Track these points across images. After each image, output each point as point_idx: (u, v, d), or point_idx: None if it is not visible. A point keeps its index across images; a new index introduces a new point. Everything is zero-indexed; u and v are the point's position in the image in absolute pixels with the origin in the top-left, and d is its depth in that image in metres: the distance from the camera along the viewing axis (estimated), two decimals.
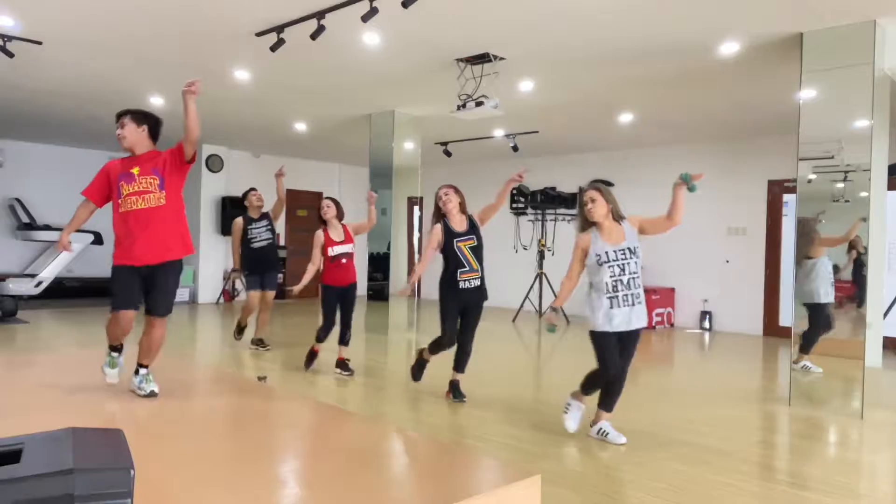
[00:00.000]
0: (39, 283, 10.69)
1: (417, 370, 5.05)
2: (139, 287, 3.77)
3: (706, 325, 9.60)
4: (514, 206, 11.34)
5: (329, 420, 3.57)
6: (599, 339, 3.79)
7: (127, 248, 3.74)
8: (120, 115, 3.84)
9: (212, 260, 11.83)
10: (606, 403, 3.94)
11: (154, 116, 3.92)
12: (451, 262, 4.68)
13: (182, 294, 11.55)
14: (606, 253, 3.74)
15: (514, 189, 11.39)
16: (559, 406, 4.22)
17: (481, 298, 4.77)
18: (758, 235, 9.31)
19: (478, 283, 4.71)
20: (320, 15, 4.88)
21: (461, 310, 4.74)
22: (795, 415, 4.71)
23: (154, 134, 3.90)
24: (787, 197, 8.86)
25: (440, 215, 4.76)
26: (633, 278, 3.75)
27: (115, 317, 3.78)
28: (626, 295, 3.73)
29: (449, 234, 4.68)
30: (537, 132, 9.29)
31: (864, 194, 4.77)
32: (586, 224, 3.88)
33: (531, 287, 10.67)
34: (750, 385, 5.78)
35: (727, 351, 7.83)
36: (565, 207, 10.98)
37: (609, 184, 10.72)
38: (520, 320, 10.12)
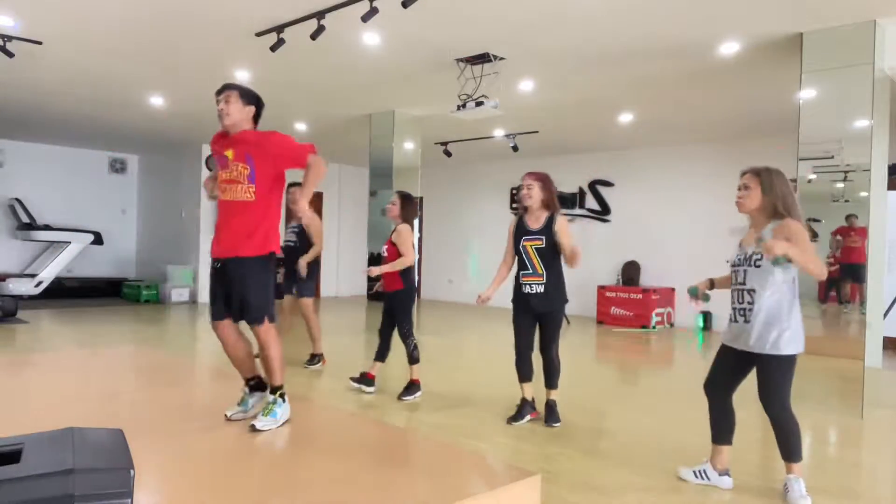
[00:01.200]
0: (39, 283, 10.70)
1: (517, 414, 4.29)
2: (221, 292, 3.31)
3: (706, 325, 9.60)
4: (514, 206, 11.34)
5: (329, 420, 3.57)
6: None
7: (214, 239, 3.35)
8: (224, 89, 3.32)
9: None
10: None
11: (262, 100, 3.43)
12: (518, 264, 4.24)
13: (182, 294, 11.56)
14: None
15: (514, 189, 11.46)
16: (560, 405, 4.23)
17: (550, 305, 4.16)
18: None
19: (541, 288, 4.13)
20: (320, 15, 4.88)
21: (533, 318, 4.21)
22: (795, 415, 4.71)
23: (257, 119, 3.42)
24: None
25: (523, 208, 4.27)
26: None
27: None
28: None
29: (519, 232, 4.22)
30: (537, 132, 9.29)
31: (864, 194, 4.77)
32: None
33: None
34: (750, 385, 5.77)
35: None
36: (565, 207, 10.98)
37: (609, 184, 10.79)
38: None
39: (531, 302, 4.14)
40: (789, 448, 3.06)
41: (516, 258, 4.23)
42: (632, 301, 9.73)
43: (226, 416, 3.37)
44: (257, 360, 3.46)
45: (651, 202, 10.36)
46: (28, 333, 7.65)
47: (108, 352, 5.84)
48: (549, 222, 4.15)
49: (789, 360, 3.00)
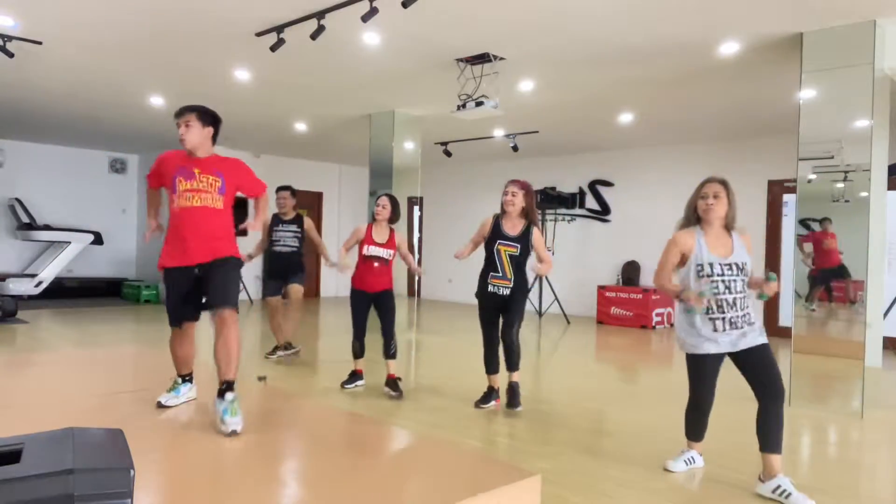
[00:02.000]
0: (39, 283, 10.70)
1: (484, 398, 4.60)
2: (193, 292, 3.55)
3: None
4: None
5: (329, 420, 3.57)
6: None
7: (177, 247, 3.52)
8: (183, 112, 3.50)
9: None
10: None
11: (219, 118, 3.63)
12: (487, 264, 4.53)
13: None
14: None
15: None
16: (559, 405, 4.22)
17: (513, 298, 4.45)
18: (758, 235, 9.31)
19: (507, 291, 4.43)
20: (320, 15, 4.88)
21: (496, 312, 4.49)
22: (795, 415, 4.71)
23: (215, 138, 3.61)
24: (787, 197, 8.86)
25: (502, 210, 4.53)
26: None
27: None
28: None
29: (495, 234, 4.48)
30: (537, 132, 9.29)
31: (864, 194, 4.77)
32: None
33: (531, 287, 10.66)
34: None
35: None
36: (565, 207, 10.98)
37: (609, 184, 10.79)
38: None
39: (496, 300, 4.45)
40: (780, 438, 3.16)
41: (486, 258, 4.50)
42: (632, 301, 9.73)
43: (159, 403, 3.61)
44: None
45: (651, 202, 10.36)
46: (28, 333, 7.65)
47: (108, 352, 5.85)
48: (527, 232, 4.42)
49: None
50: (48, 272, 10.79)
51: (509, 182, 4.49)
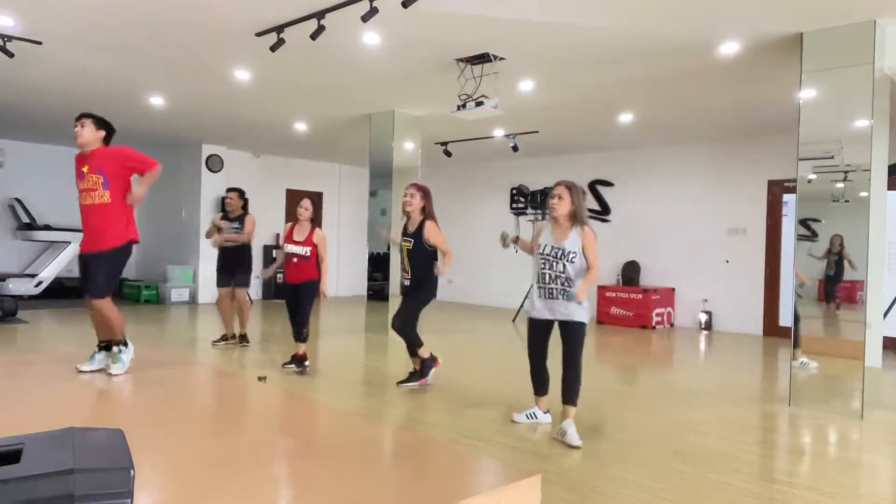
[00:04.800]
0: (39, 283, 10.70)
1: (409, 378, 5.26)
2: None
3: (706, 325, 9.60)
4: (515, 206, 11.34)
5: (329, 420, 3.57)
6: (528, 324, 4.29)
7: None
8: (79, 118, 4.19)
9: (211, 260, 11.79)
10: (563, 394, 4.05)
11: (113, 128, 4.31)
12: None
13: (182, 294, 11.56)
14: (545, 247, 4.11)
15: (514, 189, 11.46)
16: (559, 405, 4.22)
17: (407, 293, 5.06)
18: (758, 235, 9.31)
19: (407, 283, 5.02)
20: (320, 15, 4.88)
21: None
22: (795, 415, 4.71)
23: (108, 141, 4.27)
24: (787, 197, 8.87)
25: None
26: (561, 277, 4.04)
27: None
28: (552, 289, 4.07)
29: (402, 234, 5.05)
30: (537, 132, 9.29)
31: (864, 194, 4.77)
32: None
33: (531, 287, 10.65)
34: (750, 385, 5.78)
35: (727, 351, 7.83)
36: None
37: (609, 184, 10.79)
38: (520, 320, 10.12)
39: (402, 290, 5.13)
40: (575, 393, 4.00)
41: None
42: (632, 301, 9.74)
43: (77, 369, 4.26)
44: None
45: (651, 202, 10.36)
46: (28, 333, 7.65)
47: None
48: (421, 226, 4.92)
49: None
50: (48, 272, 10.79)
51: (408, 185, 5.08)
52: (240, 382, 4.48)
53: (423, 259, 4.94)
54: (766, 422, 4.58)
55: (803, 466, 3.61)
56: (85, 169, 4.14)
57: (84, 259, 4.24)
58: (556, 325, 4.10)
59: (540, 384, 4.28)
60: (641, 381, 5.78)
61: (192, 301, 11.66)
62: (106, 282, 4.22)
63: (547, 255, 4.05)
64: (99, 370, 4.27)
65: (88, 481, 1.51)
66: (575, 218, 4.03)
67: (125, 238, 4.21)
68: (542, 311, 4.11)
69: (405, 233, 4.98)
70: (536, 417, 4.25)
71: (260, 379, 5.07)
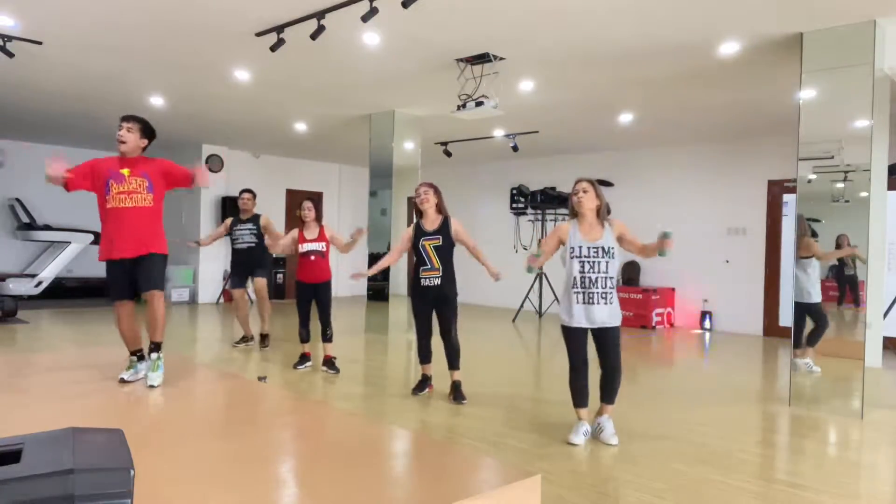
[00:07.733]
0: (39, 283, 10.70)
1: (419, 387, 5.03)
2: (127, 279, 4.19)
3: (706, 325, 9.60)
4: (515, 206, 11.34)
5: (329, 420, 3.57)
6: (565, 333, 3.96)
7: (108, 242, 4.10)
8: (128, 119, 4.18)
9: (212, 260, 11.82)
10: (603, 394, 3.92)
11: (154, 137, 4.39)
12: (417, 261, 4.89)
13: (182, 294, 11.56)
14: (580, 248, 3.85)
15: (514, 189, 11.46)
16: (559, 405, 4.22)
17: (446, 295, 4.82)
18: (758, 235, 9.31)
19: (438, 281, 4.80)
20: (320, 15, 4.88)
21: (431, 308, 4.87)
22: (795, 415, 4.71)
23: (146, 149, 4.35)
24: (787, 197, 8.86)
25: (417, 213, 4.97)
26: (602, 277, 3.80)
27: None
28: (592, 293, 3.79)
29: (418, 234, 4.89)
30: (537, 132, 9.29)
31: (864, 194, 4.77)
32: (573, 214, 4.04)
33: (531, 287, 10.67)
34: (750, 385, 5.78)
35: (727, 351, 7.83)
36: (565, 207, 10.96)
37: (608, 184, 10.78)
38: (520, 320, 10.12)
39: (431, 293, 4.81)
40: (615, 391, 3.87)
41: (416, 256, 4.83)
42: (632, 301, 9.73)
43: (121, 378, 4.06)
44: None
45: (651, 202, 10.36)
46: (28, 333, 7.65)
47: (107, 351, 5.84)
48: (445, 223, 4.91)
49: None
50: (48, 272, 10.79)
51: (420, 184, 5.00)
52: (240, 382, 4.48)
53: (450, 254, 4.93)
54: (765, 422, 4.58)
55: (803, 466, 3.61)
56: (126, 171, 4.11)
57: (123, 265, 4.11)
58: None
59: (583, 395, 3.94)
60: (641, 382, 5.78)
61: (193, 301, 11.66)
62: (161, 276, 4.20)
63: (585, 256, 3.82)
64: (141, 379, 4.14)
65: (88, 481, 1.51)
66: (599, 213, 3.93)
67: (167, 249, 4.26)
68: (580, 318, 3.83)
69: (424, 232, 4.87)
70: (591, 433, 3.92)
71: (260, 379, 5.07)
